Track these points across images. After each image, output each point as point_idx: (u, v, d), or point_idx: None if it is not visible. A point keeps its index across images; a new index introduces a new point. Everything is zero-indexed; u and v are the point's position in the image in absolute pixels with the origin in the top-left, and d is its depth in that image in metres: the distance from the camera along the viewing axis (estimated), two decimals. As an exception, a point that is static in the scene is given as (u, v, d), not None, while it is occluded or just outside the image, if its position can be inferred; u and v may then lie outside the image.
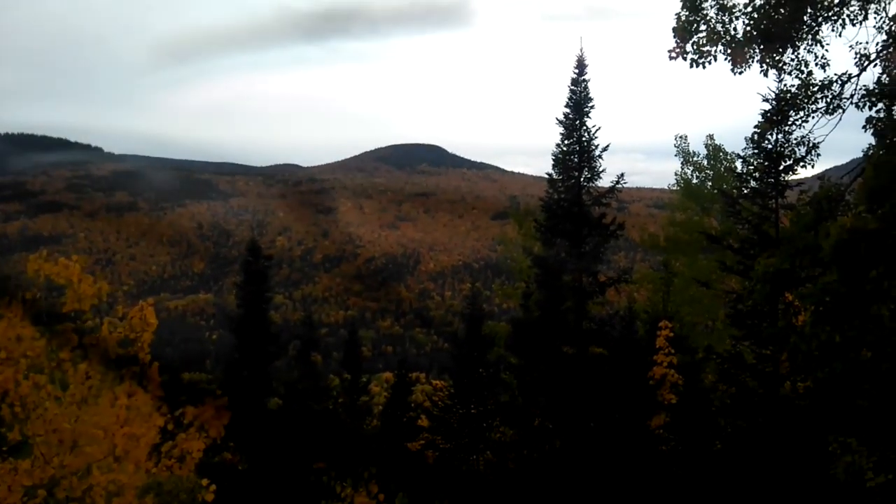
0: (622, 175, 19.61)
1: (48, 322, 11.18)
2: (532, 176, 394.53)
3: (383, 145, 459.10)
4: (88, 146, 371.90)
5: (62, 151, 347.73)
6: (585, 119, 19.97)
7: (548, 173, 20.46)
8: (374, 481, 12.67)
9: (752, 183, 17.02)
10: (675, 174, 27.72)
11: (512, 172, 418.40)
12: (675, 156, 27.44)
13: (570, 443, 18.63)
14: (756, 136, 16.37)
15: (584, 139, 19.97)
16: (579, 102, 19.99)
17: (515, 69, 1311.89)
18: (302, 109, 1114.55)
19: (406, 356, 32.24)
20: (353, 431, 24.86)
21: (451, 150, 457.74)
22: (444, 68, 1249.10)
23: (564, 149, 20.18)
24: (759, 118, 15.90)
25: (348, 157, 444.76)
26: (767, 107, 15.68)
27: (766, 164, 16.39)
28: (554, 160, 20.35)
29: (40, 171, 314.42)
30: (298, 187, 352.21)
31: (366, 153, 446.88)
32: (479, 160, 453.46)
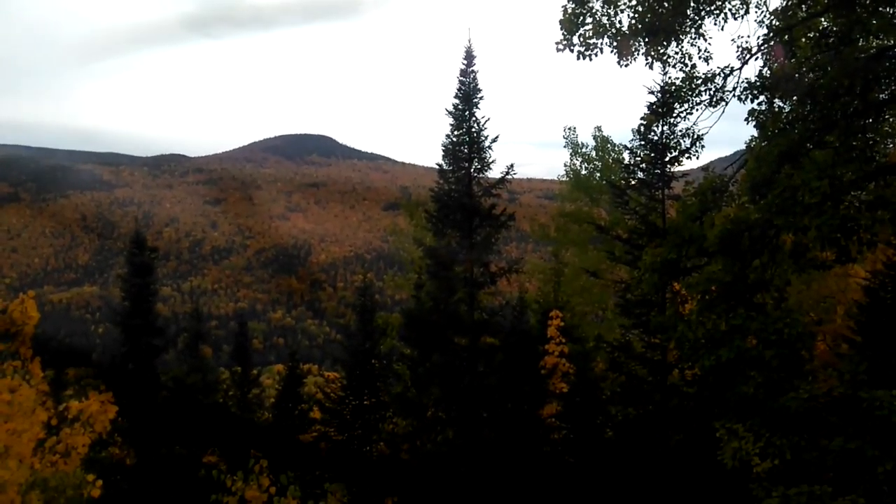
0: (512, 166, 19.05)
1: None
2: (423, 167, 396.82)
3: (272, 136, 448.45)
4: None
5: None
6: (475, 110, 19.27)
7: (438, 164, 19.66)
8: (265, 474, 11.95)
9: (640, 174, 16.81)
10: (565, 165, 27.44)
11: (403, 163, 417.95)
12: (565, 147, 27.13)
13: (464, 433, 18.00)
14: (642, 128, 16.17)
15: (473, 130, 19.26)
16: (468, 93, 19.27)
17: (406, 60, 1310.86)
18: (188, 100, 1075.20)
19: (298, 348, 31.00)
20: (244, 424, 23.77)
21: (341, 140, 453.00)
22: (333, 59, 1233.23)
23: (454, 139, 19.42)
24: (646, 110, 15.71)
25: (237, 147, 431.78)
26: (653, 99, 15.48)
27: (653, 155, 16.21)
28: (444, 151, 19.56)
29: None
30: (185, 178, 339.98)
31: (255, 143, 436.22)
32: (369, 151, 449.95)
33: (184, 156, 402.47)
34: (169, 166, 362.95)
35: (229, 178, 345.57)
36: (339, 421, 22.95)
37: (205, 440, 21.80)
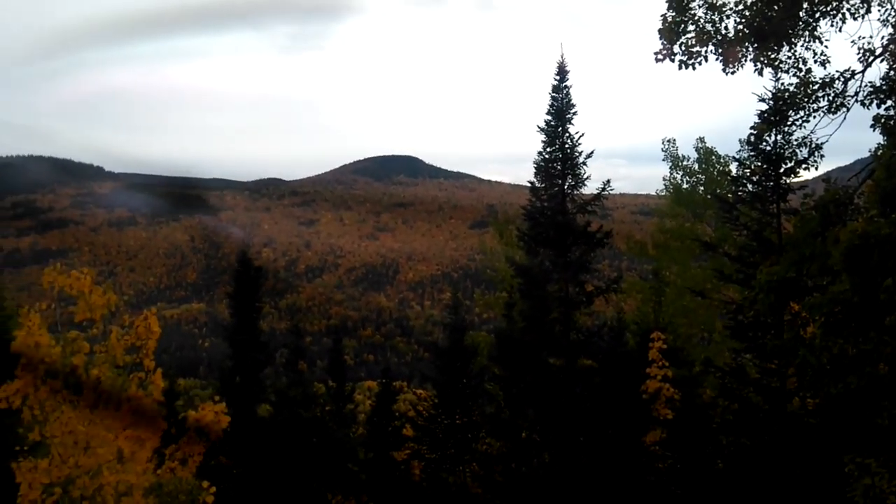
0: (608, 182, 18.02)
1: (62, 330, 11.25)
2: (509, 184, 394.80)
3: (361, 157, 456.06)
4: (91, 165, 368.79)
5: (68, 171, 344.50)
6: (568, 126, 18.38)
7: (530, 181, 18.83)
8: (363, 494, 11.40)
9: (750, 187, 15.42)
10: (664, 179, 25.57)
11: (489, 181, 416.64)
12: (663, 160, 25.30)
13: (560, 457, 16.93)
14: (752, 138, 14.84)
15: (566, 146, 18.35)
16: (561, 109, 18.39)
17: (490, 78, 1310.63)
18: (285, 126, 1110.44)
19: (388, 365, 30.62)
20: (341, 439, 23.42)
21: (427, 160, 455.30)
22: (419, 81, 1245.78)
23: (547, 156, 18.55)
24: (756, 119, 14.43)
25: (328, 170, 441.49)
26: (764, 107, 14.18)
27: (765, 166, 14.83)
28: (536, 168, 18.72)
29: (48, 190, 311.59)
30: (282, 201, 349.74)
31: (344, 166, 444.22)
32: (455, 169, 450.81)
33: (281, 179, 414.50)
34: (267, 190, 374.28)
35: (321, 200, 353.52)
36: (431, 439, 22.39)
37: (305, 453, 21.64)
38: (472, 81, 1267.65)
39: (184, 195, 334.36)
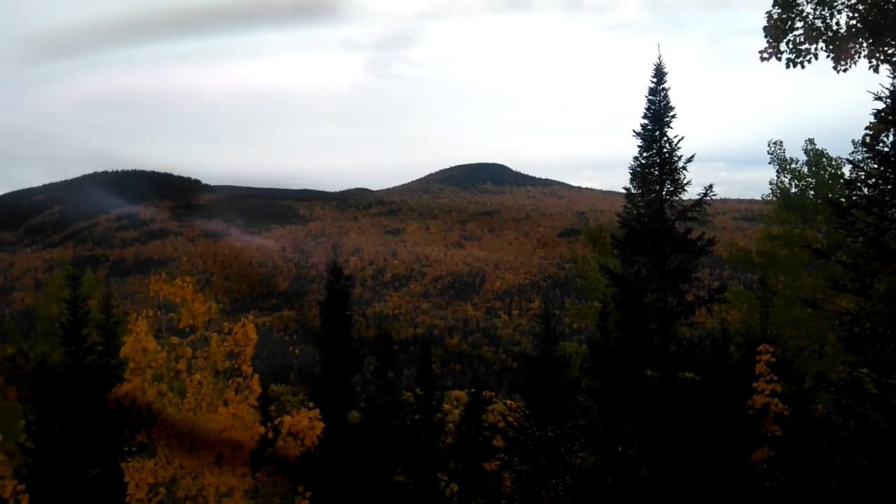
0: (710, 187, 17.30)
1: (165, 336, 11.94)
2: (601, 190, 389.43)
3: (447, 166, 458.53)
4: (189, 179, 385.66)
5: (168, 184, 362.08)
6: (666, 129, 17.82)
7: (625, 188, 18.35)
8: (455, 499, 11.39)
9: (866, 190, 14.56)
10: (770, 183, 24.37)
11: (579, 188, 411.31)
12: (769, 163, 24.08)
13: (660, 473, 16.41)
14: (868, 139, 14.00)
15: (664, 150, 17.79)
16: (659, 112, 17.85)
17: (580, 83, 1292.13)
18: (373, 136, 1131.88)
19: (476, 375, 30.56)
20: (430, 448, 23.55)
21: (514, 167, 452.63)
22: (505, 87, 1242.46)
23: (643, 161, 18.03)
24: (871, 118, 13.61)
25: (414, 179, 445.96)
26: (881, 105, 13.35)
27: (882, 168, 13.97)
28: (632, 174, 18.23)
29: (150, 203, 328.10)
30: (369, 210, 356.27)
31: (430, 175, 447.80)
32: (543, 176, 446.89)
33: (368, 189, 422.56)
34: (354, 200, 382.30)
35: (408, 210, 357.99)
36: (522, 451, 22.15)
37: (395, 460, 21.84)
38: (561, 87, 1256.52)
39: (275, 206, 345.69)
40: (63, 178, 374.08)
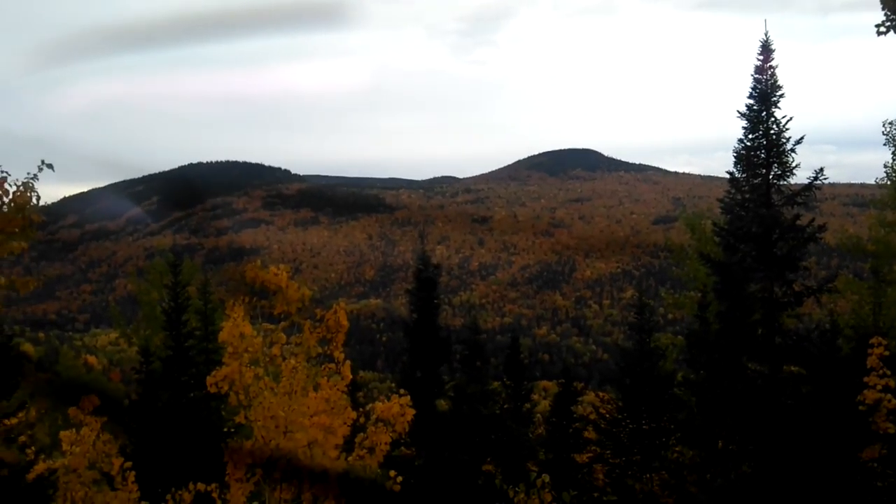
0: (821, 170, 16.59)
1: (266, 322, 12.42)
2: (699, 175, 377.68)
3: (535, 153, 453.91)
4: (279, 168, 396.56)
5: (259, 174, 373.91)
6: (773, 110, 17.17)
7: (728, 172, 17.79)
8: (547, 489, 11.47)
9: None
10: (885, 166, 22.82)
11: (675, 173, 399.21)
12: (884, 144, 22.32)
13: (762, 470, 15.91)
14: None
15: (771, 132, 17.16)
16: (765, 92, 17.21)
17: (671, 63, 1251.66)
18: (459, 123, 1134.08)
19: (567, 365, 30.32)
20: (519, 438, 23.61)
21: (606, 152, 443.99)
22: (596, 70, 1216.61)
23: (748, 144, 17.45)
24: None
25: (501, 166, 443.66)
26: None
27: None
28: (736, 157, 17.65)
29: (242, 192, 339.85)
30: (455, 198, 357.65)
31: (519, 161, 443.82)
32: (637, 161, 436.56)
33: (454, 178, 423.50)
34: (441, 188, 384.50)
35: (495, 197, 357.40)
36: (615, 443, 21.91)
37: (483, 449, 22.00)
38: (655, 68, 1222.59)
39: (362, 195, 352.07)
40: (161, 170, 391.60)
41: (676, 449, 20.11)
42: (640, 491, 20.14)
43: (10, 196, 6.79)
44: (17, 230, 6.95)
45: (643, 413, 21.38)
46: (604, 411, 22.45)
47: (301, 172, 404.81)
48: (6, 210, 6.79)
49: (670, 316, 79.01)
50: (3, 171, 6.80)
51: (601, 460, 22.18)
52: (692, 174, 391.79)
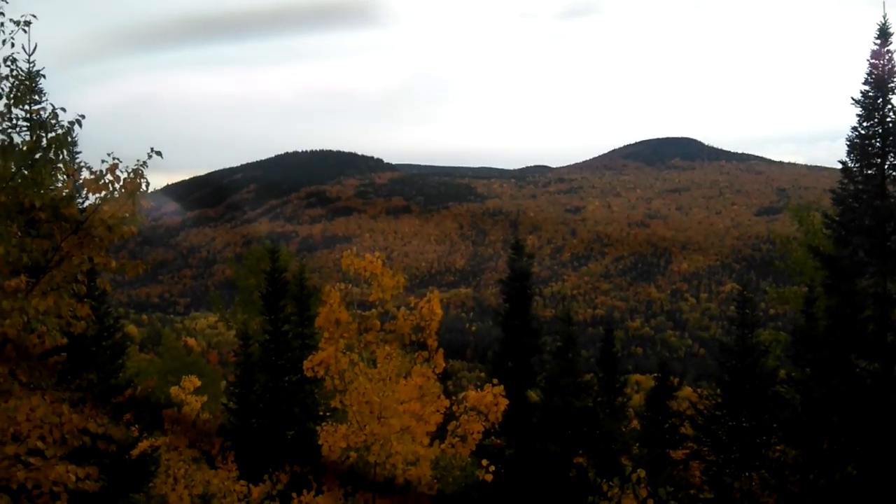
0: (943, 160, 15.73)
1: (358, 308, 12.72)
2: (805, 165, 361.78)
3: (632, 141, 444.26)
4: (371, 157, 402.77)
5: (352, 163, 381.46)
6: (890, 97, 16.34)
7: (841, 161, 17.05)
8: (643, 485, 11.43)
9: None
10: None
11: (780, 162, 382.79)
12: None
13: (870, 472, 15.29)
14: None
15: (888, 120, 16.33)
16: (882, 78, 16.37)
17: (777, 48, 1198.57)
18: (553, 110, 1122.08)
19: (663, 359, 29.75)
20: (612, 431, 23.38)
21: (706, 141, 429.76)
22: (696, 56, 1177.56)
23: (862, 132, 16.67)
24: None
25: (596, 155, 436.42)
26: None
27: None
28: (849, 146, 16.88)
29: (336, 181, 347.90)
30: (547, 188, 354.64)
31: (614, 150, 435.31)
32: (739, 150, 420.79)
33: (547, 166, 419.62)
34: (533, 177, 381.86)
35: (589, 187, 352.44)
36: (713, 441, 21.49)
37: (575, 442, 21.92)
38: (759, 53, 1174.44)
39: (453, 184, 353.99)
40: (258, 159, 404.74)
41: (778, 448, 19.58)
42: (739, 490, 19.70)
43: (121, 182, 7.23)
44: (127, 215, 7.38)
45: (743, 410, 20.91)
46: (702, 407, 22.03)
47: (393, 161, 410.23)
48: (117, 196, 7.23)
49: (772, 311, 76.04)
50: (115, 158, 7.23)
51: (698, 457, 21.85)
52: (797, 164, 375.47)
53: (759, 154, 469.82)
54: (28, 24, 7.22)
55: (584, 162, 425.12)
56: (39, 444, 7.52)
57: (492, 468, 12.97)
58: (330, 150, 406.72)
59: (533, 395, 23.88)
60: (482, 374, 41.65)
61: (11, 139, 7.21)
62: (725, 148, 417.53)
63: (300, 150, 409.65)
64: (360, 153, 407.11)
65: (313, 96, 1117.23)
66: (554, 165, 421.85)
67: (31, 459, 7.45)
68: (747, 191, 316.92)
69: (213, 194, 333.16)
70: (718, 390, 21.89)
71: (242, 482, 14.17)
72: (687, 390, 29.21)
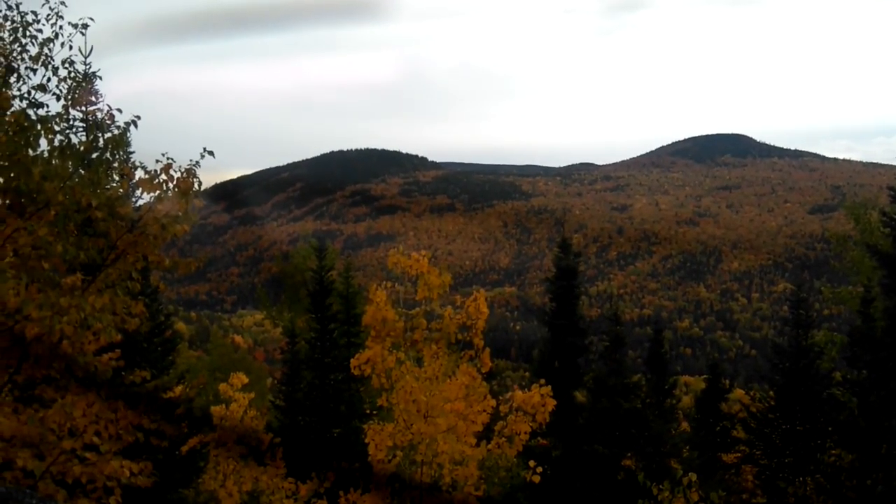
0: None
1: (404, 307, 12.74)
2: (860, 162, 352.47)
3: (680, 138, 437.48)
4: (416, 156, 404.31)
5: (396, 162, 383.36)
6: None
7: (901, 157, 16.58)
8: (694, 489, 11.24)
9: None
10: None
11: (834, 159, 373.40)
12: None
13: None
14: None
15: (953, 113, 15.87)
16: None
17: (830, 42, 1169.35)
18: (597, 107, 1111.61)
19: (714, 361, 29.31)
20: (661, 434, 23.09)
21: (758, 138, 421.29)
22: (746, 49, 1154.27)
23: (924, 127, 16.22)
24: None
25: (643, 153, 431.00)
26: None
27: None
28: (909, 141, 16.46)
29: (380, 179, 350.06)
30: (593, 185, 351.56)
31: (662, 147, 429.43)
32: (791, 147, 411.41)
33: (592, 164, 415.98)
34: (579, 175, 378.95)
35: (636, 185, 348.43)
36: (766, 444, 21.06)
37: (623, 443, 21.70)
38: (812, 47, 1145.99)
39: (498, 182, 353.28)
40: (304, 157, 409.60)
41: (834, 452, 19.13)
42: (793, 494, 19.30)
43: (175, 181, 7.37)
44: (179, 214, 7.52)
45: (797, 413, 20.45)
46: (754, 410, 21.61)
47: (438, 160, 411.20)
48: (171, 195, 7.38)
49: (826, 312, 74.11)
50: (168, 158, 7.38)
51: (751, 461, 21.43)
52: (853, 160, 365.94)
53: (813, 150, 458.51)
54: (86, 26, 7.41)
55: (630, 159, 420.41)
56: (95, 439, 7.72)
57: (539, 469, 12.89)
58: (374, 149, 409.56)
59: (579, 396, 23.71)
60: (527, 374, 41.51)
61: (69, 140, 7.39)
62: (778, 144, 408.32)
63: (345, 149, 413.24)
64: (404, 151, 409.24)
65: (358, 94, 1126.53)
66: (600, 163, 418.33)
67: (87, 454, 7.63)
68: (800, 188, 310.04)
69: (259, 193, 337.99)
70: (771, 392, 21.46)
71: (290, 479, 14.33)
72: (738, 392, 28.68)
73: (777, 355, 21.58)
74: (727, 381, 25.22)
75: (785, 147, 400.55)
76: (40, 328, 6.78)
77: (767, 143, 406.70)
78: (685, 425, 27.38)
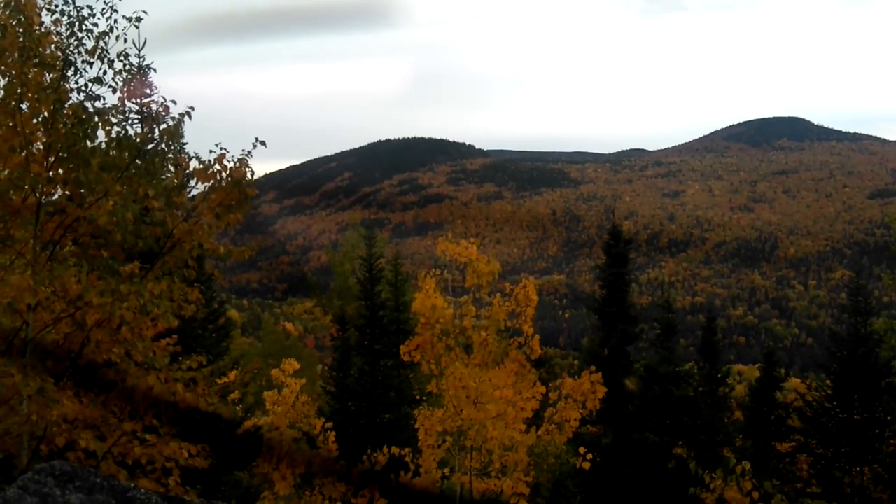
0: None
1: (452, 294, 12.91)
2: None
3: (734, 122, 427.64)
4: (464, 144, 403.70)
5: (444, 150, 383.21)
6: None
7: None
8: (748, 477, 11.12)
9: None
10: None
11: (895, 142, 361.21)
12: None
13: None
14: None
15: None
16: None
17: (888, 19, 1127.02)
18: (648, 92, 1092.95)
19: (770, 349, 28.75)
20: (714, 423, 22.80)
21: (816, 120, 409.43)
22: (803, 29, 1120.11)
23: None
24: None
25: (696, 137, 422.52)
26: None
27: None
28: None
29: (428, 168, 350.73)
30: (644, 172, 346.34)
31: (716, 132, 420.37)
32: (851, 130, 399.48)
33: (643, 150, 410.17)
34: (629, 161, 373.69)
35: (688, 170, 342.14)
36: (822, 434, 20.64)
37: (675, 432, 21.52)
38: (873, 26, 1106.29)
39: (546, 169, 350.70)
40: (353, 147, 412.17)
41: (892, 441, 18.89)
42: (849, 484, 18.92)
43: (228, 171, 7.54)
44: (233, 203, 7.68)
45: (855, 402, 20.04)
46: (810, 399, 21.21)
47: (485, 147, 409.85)
48: (224, 184, 7.54)
49: (885, 299, 71.88)
50: (222, 148, 7.53)
51: (806, 450, 21.07)
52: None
53: (873, 133, 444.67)
54: (139, 20, 7.59)
55: (682, 144, 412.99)
56: (154, 421, 7.97)
57: (589, 456, 12.88)
58: (422, 137, 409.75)
59: (630, 384, 23.53)
60: (575, 363, 41.34)
61: (125, 131, 7.61)
62: (836, 127, 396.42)
63: (393, 138, 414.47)
64: (451, 139, 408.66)
65: (405, 83, 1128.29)
66: (651, 149, 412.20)
67: (147, 436, 7.88)
68: (860, 172, 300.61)
69: (308, 182, 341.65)
70: (828, 381, 21.07)
71: (342, 462, 14.57)
72: (794, 381, 28.20)
73: (834, 343, 21.16)
74: (782, 370, 24.69)
75: (843, 130, 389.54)
76: (101, 314, 7.02)
77: (825, 125, 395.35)
78: (738, 414, 26.96)
